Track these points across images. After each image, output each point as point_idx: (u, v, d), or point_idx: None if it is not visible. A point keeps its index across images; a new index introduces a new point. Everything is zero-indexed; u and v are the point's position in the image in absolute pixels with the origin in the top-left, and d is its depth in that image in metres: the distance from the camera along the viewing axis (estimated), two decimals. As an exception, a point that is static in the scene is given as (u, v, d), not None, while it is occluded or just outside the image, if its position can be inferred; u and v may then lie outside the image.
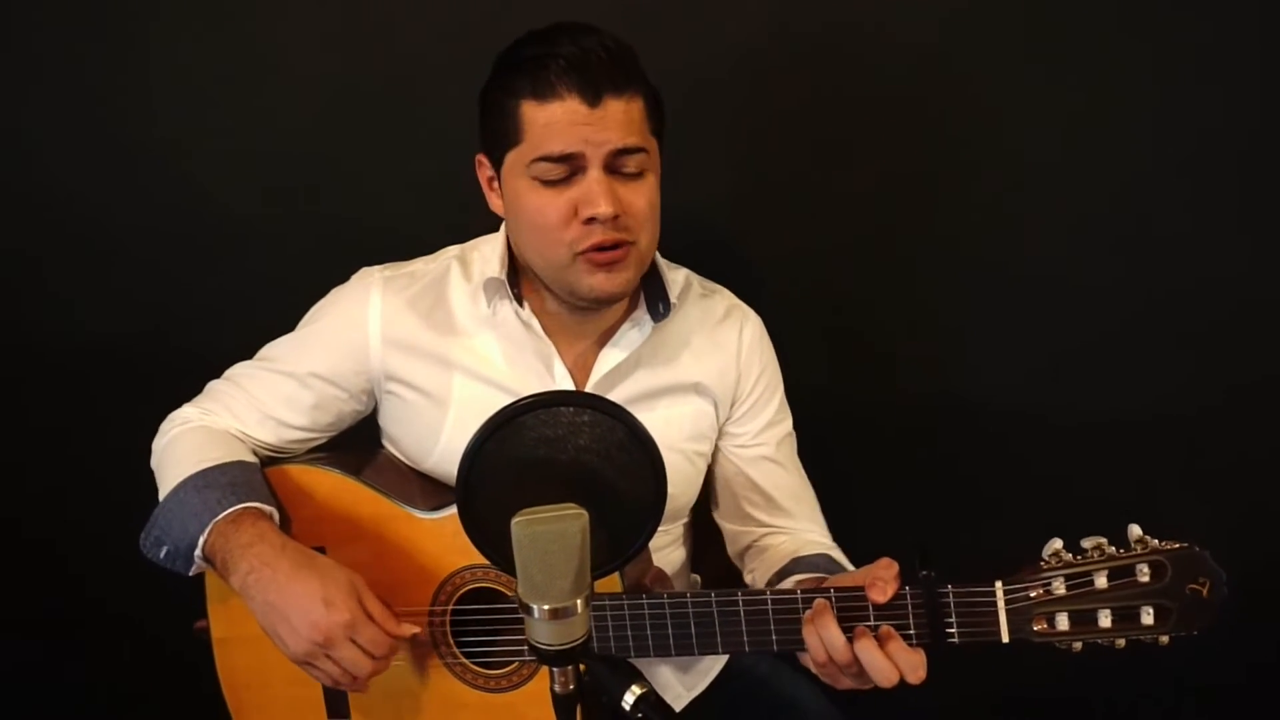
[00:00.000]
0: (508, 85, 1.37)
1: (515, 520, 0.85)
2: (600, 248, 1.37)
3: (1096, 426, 2.05)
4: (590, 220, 1.35)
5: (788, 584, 1.45)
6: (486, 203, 1.51)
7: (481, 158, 1.47)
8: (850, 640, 1.22)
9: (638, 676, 0.89)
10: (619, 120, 1.34)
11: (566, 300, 1.46)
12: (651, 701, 0.88)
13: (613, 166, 1.36)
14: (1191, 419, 2.02)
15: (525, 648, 1.35)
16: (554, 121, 1.33)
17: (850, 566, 1.52)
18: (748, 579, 1.64)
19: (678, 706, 1.62)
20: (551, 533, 0.84)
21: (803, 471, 1.68)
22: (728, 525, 1.67)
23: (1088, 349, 2.01)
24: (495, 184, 1.46)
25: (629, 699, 0.88)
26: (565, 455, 0.95)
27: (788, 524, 1.63)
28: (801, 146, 1.94)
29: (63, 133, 2.01)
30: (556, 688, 0.91)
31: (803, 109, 1.92)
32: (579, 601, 0.87)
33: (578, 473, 0.95)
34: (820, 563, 1.51)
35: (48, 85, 1.98)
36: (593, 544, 0.87)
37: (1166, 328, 1.99)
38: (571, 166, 1.35)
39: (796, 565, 1.51)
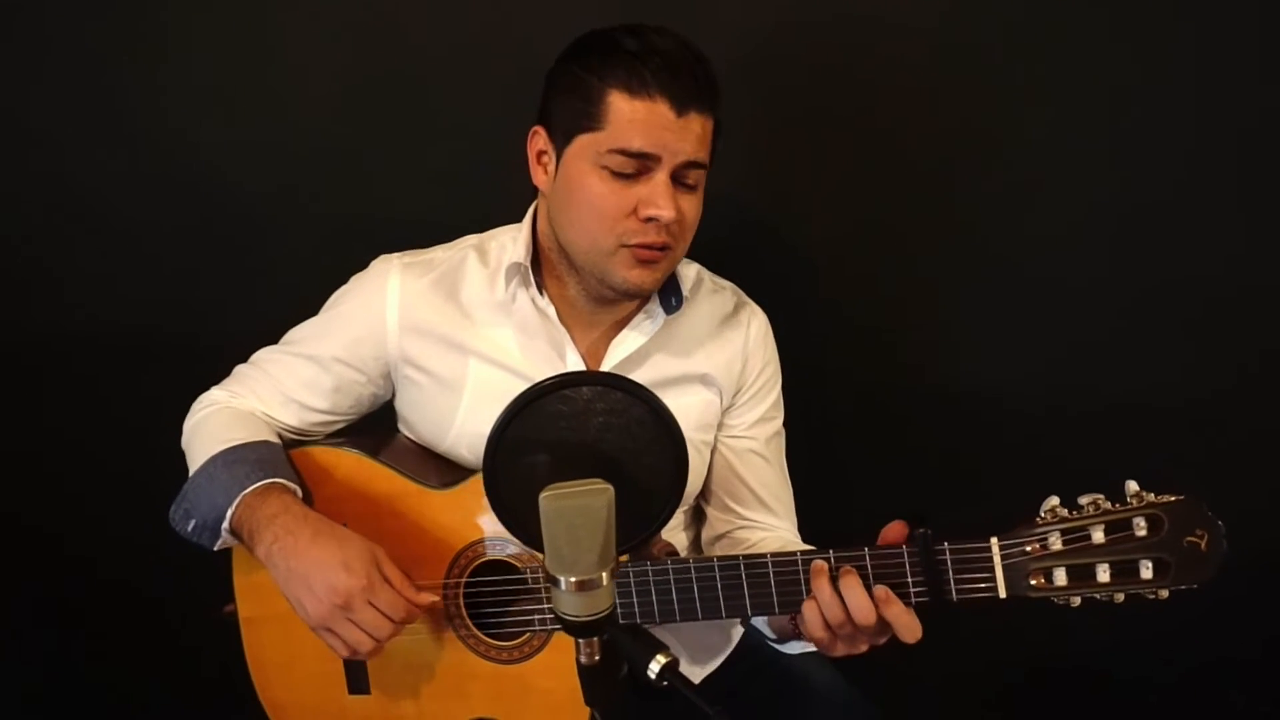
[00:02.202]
0: (598, 69, 1.38)
1: (543, 495, 0.87)
2: (648, 247, 1.41)
3: (1101, 413, 2.06)
4: (649, 220, 1.38)
5: None
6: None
7: (540, 130, 1.47)
8: (835, 578, 1.25)
9: (662, 646, 0.91)
10: (696, 134, 1.39)
11: (594, 287, 1.48)
12: (676, 670, 0.90)
13: (678, 175, 1.40)
14: (1193, 405, 2.04)
15: (536, 619, 1.40)
16: (639, 119, 1.36)
17: None
18: None
19: (692, 684, 1.65)
20: (578, 507, 0.87)
21: (786, 470, 1.71)
22: (707, 509, 1.70)
23: (1090, 337, 2.02)
24: (546, 158, 1.47)
25: (654, 667, 0.90)
26: (588, 433, 0.97)
27: (765, 520, 1.65)
28: (805, 138, 1.95)
29: (79, 128, 2.00)
30: (582, 658, 0.93)
31: (807, 101, 1.93)
32: (605, 574, 0.89)
33: (601, 449, 0.97)
34: None
35: (63, 81, 1.97)
36: (617, 519, 0.89)
37: (1167, 315, 2.00)
38: (643, 165, 1.38)
39: None
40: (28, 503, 2.21)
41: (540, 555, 0.90)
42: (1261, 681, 2.22)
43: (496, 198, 1.60)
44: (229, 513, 1.39)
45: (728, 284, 1.69)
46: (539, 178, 1.49)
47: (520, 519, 0.97)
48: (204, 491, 1.43)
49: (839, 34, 1.90)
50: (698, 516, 1.73)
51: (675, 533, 1.66)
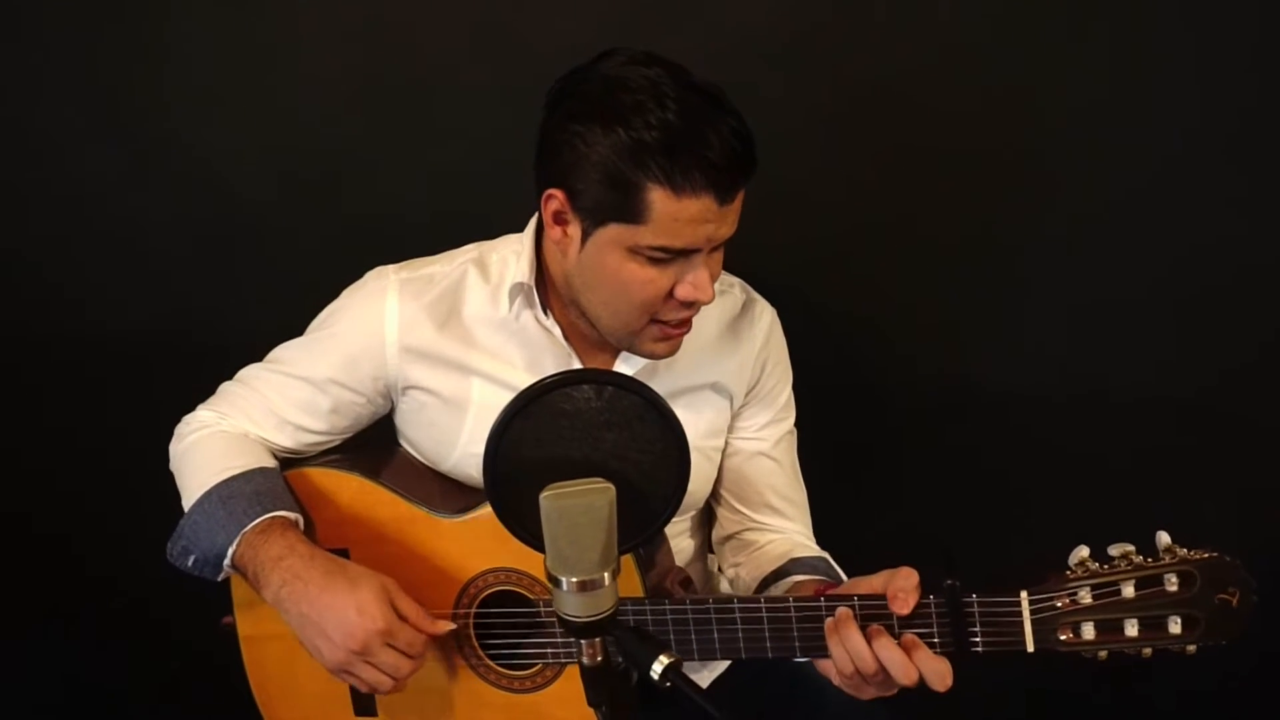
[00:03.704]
0: (633, 156, 1.26)
1: (544, 494, 0.86)
2: (680, 321, 1.40)
3: (1113, 410, 2.04)
4: (690, 304, 1.36)
5: (787, 584, 1.46)
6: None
7: (557, 195, 1.35)
8: (868, 639, 1.22)
9: (666, 646, 0.90)
10: (736, 211, 1.34)
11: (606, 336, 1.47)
12: (679, 671, 0.89)
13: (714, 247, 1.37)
14: (1218, 399, 2.01)
15: (549, 650, 1.38)
16: (683, 217, 1.28)
17: (842, 572, 1.52)
18: (729, 573, 1.65)
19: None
20: (579, 506, 0.86)
21: (798, 472, 1.68)
22: (716, 509, 1.68)
23: (1097, 333, 2.00)
24: (565, 219, 1.37)
25: (657, 668, 0.89)
26: (590, 431, 0.97)
27: (774, 522, 1.63)
28: (814, 135, 1.94)
29: (79, 130, 2.02)
30: (585, 659, 0.92)
31: (814, 97, 1.93)
32: (606, 574, 0.88)
33: (602, 448, 0.97)
34: (819, 565, 1.51)
35: (64, 82, 2.00)
36: (618, 518, 0.88)
37: (1185, 311, 1.98)
38: (684, 252, 1.33)
39: (795, 566, 1.51)
40: (30, 506, 2.23)
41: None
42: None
43: (500, 199, 1.58)
44: (230, 551, 1.36)
45: (736, 280, 1.65)
46: (555, 235, 1.39)
47: (522, 519, 0.96)
48: (201, 529, 1.39)
49: (841, 30, 1.90)
50: (705, 521, 1.71)
51: (682, 538, 1.65)
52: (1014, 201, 1.96)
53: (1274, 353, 1.98)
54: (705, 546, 1.73)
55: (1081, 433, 2.06)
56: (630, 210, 1.29)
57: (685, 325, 1.42)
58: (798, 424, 1.69)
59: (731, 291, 1.63)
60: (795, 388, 1.68)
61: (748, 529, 1.63)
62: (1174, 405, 2.01)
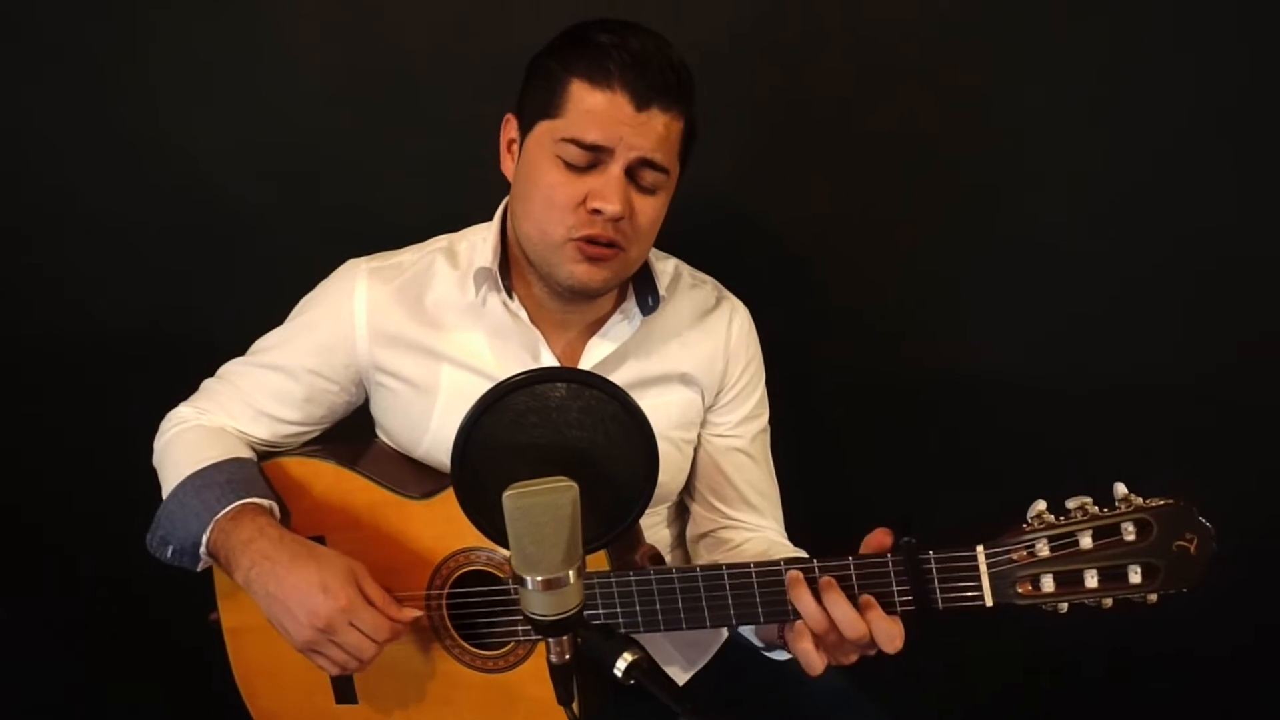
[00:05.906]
0: (565, 57, 1.37)
1: (506, 494, 0.87)
2: (594, 241, 1.38)
3: (1096, 395, 2.06)
4: (596, 212, 1.36)
5: None
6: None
7: (511, 118, 1.47)
8: (818, 595, 1.24)
9: (631, 644, 0.91)
10: (657, 132, 1.36)
11: (549, 285, 1.47)
12: (644, 668, 0.90)
13: (634, 174, 1.38)
14: (1187, 387, 2.03)
15: (520, 629, 1.39)
16: (597, 110, 1.34)
17: None
18: None
19: (680, 681, 1.64)
20: (542, 505, 0.87)
21: (772, 468, 1.70)
22: (692, 506, 1.69)
23: (1083, 320, 2.02)
24: (514, 148, 1.46)
25: (621, 665, 0.90)
26: (559, 430, 0.97)
27: (750, 519, 1.65)
28: (798, 120, 1.95)
29: (65, 126, 2.00)
30: (553, 657, 0.93)
31: (801, 83, 1.93)
32: (571, 572, 0.89)
33: (570, 447, 0.97)
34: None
35: (51, 77, 1.98)
36: (585, 517, 0.89)
37: (1160, 296, 1.99)
38: (596, 158, 1.36)
39: None
40: (22, 503, 2.22)
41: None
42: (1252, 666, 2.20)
43: (485, 196, 1.58)
44: (204, 538, 1.38)
45: (708, 279, 1.67)
46: (506, 165, 1.49)
47: (489, 517, 0.96)
48: (177, 518, 1.41)
49: (829, 20, 1.90)
50: (682, 513, 1.72)
51: (658, 529, 1.66)
52: (993, 190, 1.97)
53: (1260, 342, 2.01)
54: (682, 538, 1.74)
55: (1072, 421, 2.08)
56: (554, 103, 1.37)
57: (602, 251, 1.40)
58: (778, 416, 1.70)
59: (704, 287, 1.65)
60: (775, 379, 1.69)
61: (723, 526, 1.65)
62: (1156, 393, 2.04)
